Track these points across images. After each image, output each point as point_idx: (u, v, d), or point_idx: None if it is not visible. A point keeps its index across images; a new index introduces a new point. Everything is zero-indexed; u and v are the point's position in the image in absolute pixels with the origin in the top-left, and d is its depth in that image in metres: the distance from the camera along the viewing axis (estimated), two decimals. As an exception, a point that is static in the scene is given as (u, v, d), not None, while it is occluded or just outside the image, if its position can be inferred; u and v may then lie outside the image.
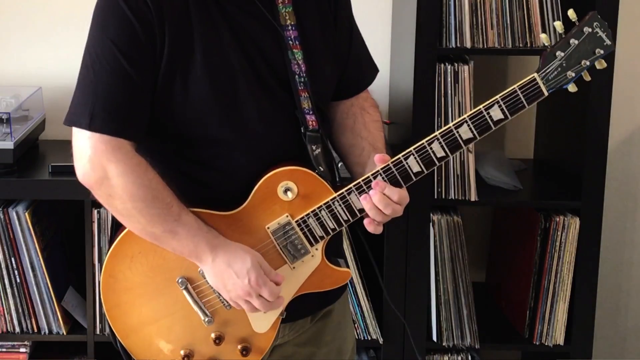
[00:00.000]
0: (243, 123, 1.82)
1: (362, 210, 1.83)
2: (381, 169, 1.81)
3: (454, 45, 2.68)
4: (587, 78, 1.81)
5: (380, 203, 1.80)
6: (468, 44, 2.67)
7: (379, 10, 3.10)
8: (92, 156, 1.76)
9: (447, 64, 2.68)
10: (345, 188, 1.83)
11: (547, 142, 3.12)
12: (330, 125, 1.99)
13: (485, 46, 2.69)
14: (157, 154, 1.85)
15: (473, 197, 2.74)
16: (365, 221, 1.84)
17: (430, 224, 2.76)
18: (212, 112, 1.80)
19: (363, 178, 1.82)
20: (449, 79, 2.68)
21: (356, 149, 1.97)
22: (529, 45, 2.70)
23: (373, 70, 2.07)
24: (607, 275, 3.26)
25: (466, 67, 2.68)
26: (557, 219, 2.78)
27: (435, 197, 2.74)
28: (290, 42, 1.86)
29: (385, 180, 1.81)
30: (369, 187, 1.81)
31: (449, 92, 2.68)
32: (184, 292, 1.85)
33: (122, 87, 1.76)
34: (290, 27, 1.87)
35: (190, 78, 1.78)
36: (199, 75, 1.78)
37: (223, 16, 1.81)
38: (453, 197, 2.74)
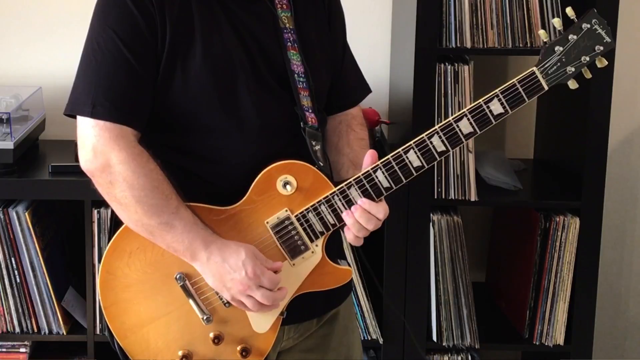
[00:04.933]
0: (240, 115, 1.83)
1: None
2: (381, 162, 1.81)
3: (454, 45, 2.67)
4: (588, 75, 1.82)
5: (362, 218, 1.81)
6: (468, 44, 2.67)
7: (379, 10, 3.10)
8: (95, 144, 1.77)
9: (447, 64, 2.68)
10: (345, 182, 1.83)
11: (547, 142, 3.12)
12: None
13: (485, 46, 2.69)
14: (156, 147, 1.86)
15: (473, 197, 2.74)
16: (347, 231, 1.85)
17: (430, 224, 2.76)
18: (210, 103, 1.81)
19: (363, 172, 1.82)
20: (449, 79, 2.68)
21: (336, 166, 1.97)
22: (529, 45, 2.69)
23: (363, 89, 2.09)
24: (607, 275, 3.26)
25: (466, 67, 2.68)
26: (557, 219, 2.78)
27: (435, 197, 2.74)
28: (289, 43, 1.88)
29: (385, 175, 1.81)
30: (370, 181, 1.81)
31: (449, 92, 2.68)
32: (182, 288, 1.85)
33: (123, 75, 1.77)
34: (289, 30, 1.88)
35: (190, 69, 1.80)
36: (198, 66, 1.79)
37: (225, 12, 1.83)
38: (453, 197, 2.74)
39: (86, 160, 1.79)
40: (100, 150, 1.77)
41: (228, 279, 1.79)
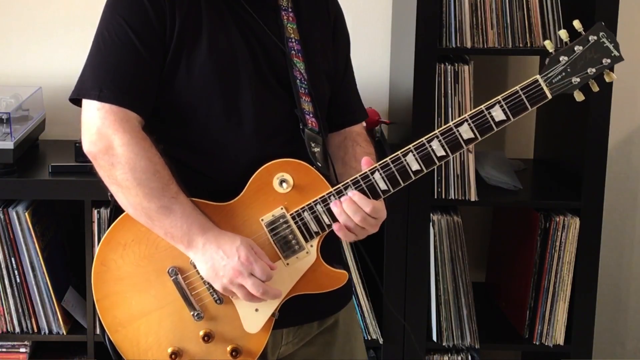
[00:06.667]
0: (240, 111, 1.85)
1: None
2: (379, 165, 1.82)
3: (454, 45, 2.68)
4: (595, 88, 1.80)
5: (349, 209, 1.80)
6: (468, 44, 2.67)
7: (379, 10, 3.10)
8: (100, 126, 1.79)
9: (447, 64, 2.68)
10: (342, 183, 1.83)
11: (547, 142, 3.12)
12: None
13: (485, 46, 2.69)
14: (157, 140, 1.86)
15: (473, 197, 2.74)
16: (335, 226, 1.83)
17: (430, 224, 2.76)
18: (212, 97, 1.83)
19: (360, 174, 1.83)
20: (449, 79, 2.68)
21: (345, 178, 1.96)
22: (529, 45, 2.70)
23: (362, 111, 2.11)
24: (607, 275, 3.26)
25: (466, 67, 2.68)
26: (557, 219, 2.78)
27: (435, 197, 2.74)
28: (293, 52, 1.90)
29: (382, 177, 1.81)
30: (367, 182, 1.81)
31: (449, 92, 2.68)
32: (174, 282, 1.84)
33: (131, 62, 1.80)
34: (294, 40, 1.91)
35: (195, 63, 1.82)
36: (203, 60, 1.82)
37: (232, 14, 1.86)
38: (453, 197, 2.74)
39: (90, 142, 1.81)
40: (104, 132, 1.79)
41: (221, 265, 1.79)
